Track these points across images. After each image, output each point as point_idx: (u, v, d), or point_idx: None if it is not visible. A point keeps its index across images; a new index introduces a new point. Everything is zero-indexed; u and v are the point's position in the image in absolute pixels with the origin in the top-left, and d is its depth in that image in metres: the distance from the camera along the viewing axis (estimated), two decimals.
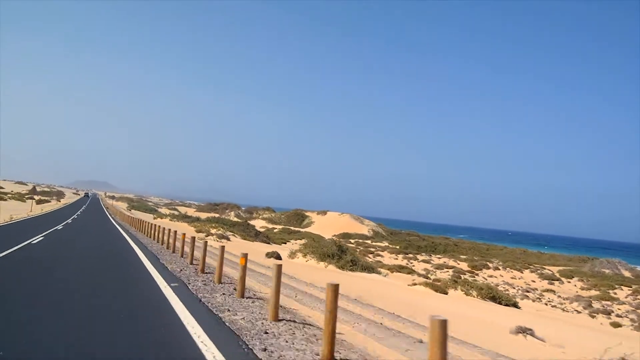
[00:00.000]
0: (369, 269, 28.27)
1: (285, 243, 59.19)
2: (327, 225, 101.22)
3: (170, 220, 59.07)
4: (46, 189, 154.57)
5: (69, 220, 39.56)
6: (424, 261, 60.36)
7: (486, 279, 44.03)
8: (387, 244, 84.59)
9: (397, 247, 79.81)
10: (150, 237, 29.32)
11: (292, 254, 30.23)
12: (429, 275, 40.14)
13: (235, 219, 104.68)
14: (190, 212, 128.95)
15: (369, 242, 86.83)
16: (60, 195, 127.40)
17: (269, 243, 52.14)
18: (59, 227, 31.27)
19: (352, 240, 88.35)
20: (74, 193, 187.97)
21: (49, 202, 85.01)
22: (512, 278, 49.79)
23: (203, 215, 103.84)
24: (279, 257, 27.66)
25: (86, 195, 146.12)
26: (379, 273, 29.09)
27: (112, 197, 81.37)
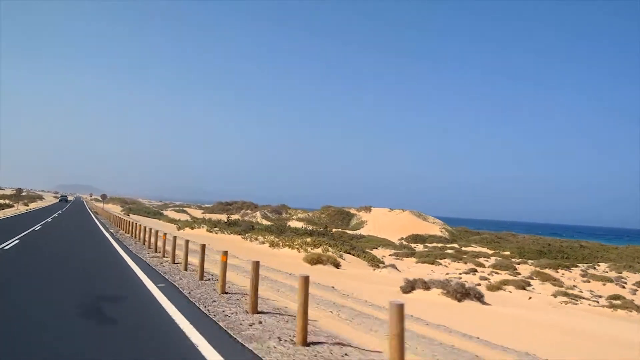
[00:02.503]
0: None
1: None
2: (385, 225, 78.46)
3: (209, 231, 34.90)
4: (24, 194, 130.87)
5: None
6: (600, 279, 36.63)
7: None
8: (485, 250, 61.53)
9: (508, 253, 57.19)
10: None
11: None
12: None
13: (265, 222, 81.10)
14: (198, 214, 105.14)
15: (458, 246, 64.10)
16: (34, 199, 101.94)
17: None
18: None
19: (430, 244, 65.42)
20: (54, 197, 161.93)
21: (13, 207, 60.29)
22: None
23: (219, 218, 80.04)
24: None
25: (63, 198, 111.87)
26: None
27: (103, 198, 55.44)
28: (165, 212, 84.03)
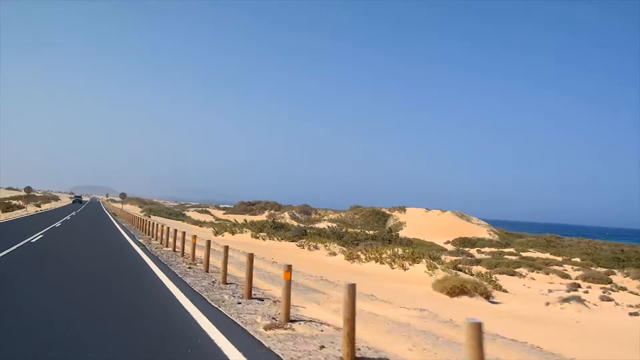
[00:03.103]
0: None
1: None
2: (425, 227, 71.62)
3: (255, 236, 28.54)
4: (40, 195, 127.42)
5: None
6: None
7: None
8: (549, 256, 54.37)
9: (578, 260, 50.18)
10: None
11: None
12: None
13: (294, 223, 74.98)
14: (220, 214, 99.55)
15: (515, 251, 57.15)
16: (48, 200, 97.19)
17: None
18: None
19: (487, 249, 58.46)
20: (70, 197, 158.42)
21: (23, 208, 54.89)
22: None
23: (249, 220, 74.77)
24: None
25: (77, 199, 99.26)
26: None
27: (122, 197, 49.37)
28: (187, 213, 78.19)
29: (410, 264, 17.80)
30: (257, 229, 30.28)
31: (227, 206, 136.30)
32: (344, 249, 23.52)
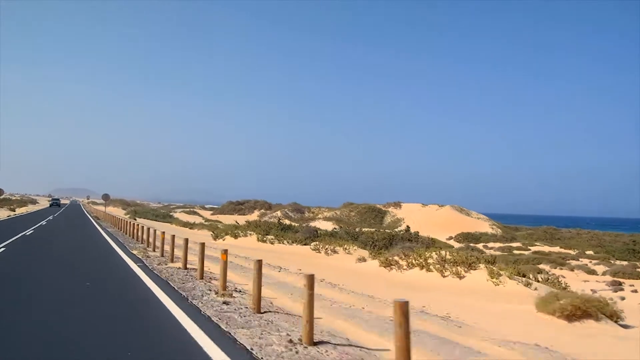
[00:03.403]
0: None
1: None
2: (424, 222, 68.81)
3: (261, 240, 25.01)
4: (16, 198, 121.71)
5: None
6: None
7: None
8: (561, 250, 52.01)
9: (592, 253, 47.93)
10: None
11: None
12: None
13: (287, 222, 71.66)
14: (207, 215, 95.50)
15: (522, 246, 54.73)
16: (25, 203, 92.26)
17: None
18: None
19: (493, 244, 55.92)
20: (48, 201, 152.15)
21: None
22: None
23: (239, 220, 71.62)
24: None
25: (54, 202, 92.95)
26: None
27: (105, 199, 45.08)
28: (174, 215, 74.08)
29: (465, 271, 14.68)
30: (263, 231, 26.82)
31: (214, 206, 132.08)
32: (367, 251, 20.36)
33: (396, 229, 70.87)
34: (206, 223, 55.56)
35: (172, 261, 14.39)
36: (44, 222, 34.56)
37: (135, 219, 49.80)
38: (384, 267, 16.63)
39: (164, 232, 17.55)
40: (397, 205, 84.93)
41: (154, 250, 17.48)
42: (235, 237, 25.13)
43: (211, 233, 27.56)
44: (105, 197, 45.50)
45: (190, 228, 48.41)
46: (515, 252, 50.35)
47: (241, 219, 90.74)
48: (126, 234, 26.05)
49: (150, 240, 18.94)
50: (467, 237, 60.86)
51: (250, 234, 25.33)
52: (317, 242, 23.30)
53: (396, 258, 16.82)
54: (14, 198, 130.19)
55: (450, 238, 60.81)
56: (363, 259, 18.07)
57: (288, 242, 23.81)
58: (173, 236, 15.73)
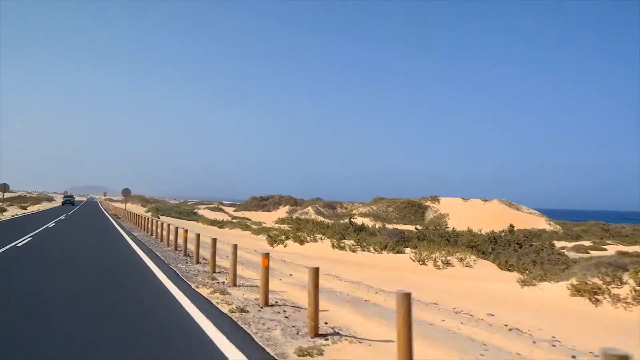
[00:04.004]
0: None
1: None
2: (472, 218, 62.10)
3: (339, 247, 18.75)
4: (33, 196, 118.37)
5: None
6: None
7: None
8: None
9: None
10: None
11: None
12: None
13: (319, 218, 65.58)
14: (231, 211, 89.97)
15: (593, 244, 48.11)
16: (39, 201, 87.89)
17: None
18: None
19: (562, 243, 49.27)
20: (62, 199, 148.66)
21: (6, 211, 45.22)
22: None
23: (265, 218, 66.89)
24: None
25: (68, 200, 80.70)
26: None
27: (126, 194, 39.26)
28: (200, 212, 68.49)
29: None
30: (338, 234, 20.62)
31: (234, 202, 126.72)
32: (489, 261, 14.29)
33: (441, 225, 64.52)
34: (235, 221, 49.85)
35: (234, 284, 8.56)
36: (51, 225, 28.81)
37: (159, 217, 44.22)
38: (580, 294, 10.40)
39: (215, 239, 11.64)
40: (435, 199, 78.22)
41: (197, 262, 11.62)
42: (301, 242, 18.98)
43: (266, 237, 21.47)
44: (126, 192, 39.86)
45: (220, 227, 42.68)
46: (592, 252, 43.71)
47: (267, 216, 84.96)
48: (158, 238, 20.22)
49: (190, 247, 13.13)
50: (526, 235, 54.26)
51: (321, 238, 19.24)
52: (416, 249, 17.13)
53: (597, 281, 10.59)
54: (30, 196, 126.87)
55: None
56: (530, 283, 11.85)
57: (375, 250, 17.66)
58: (235, 247, 9.75)
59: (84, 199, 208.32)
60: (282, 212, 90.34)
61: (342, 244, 18.14)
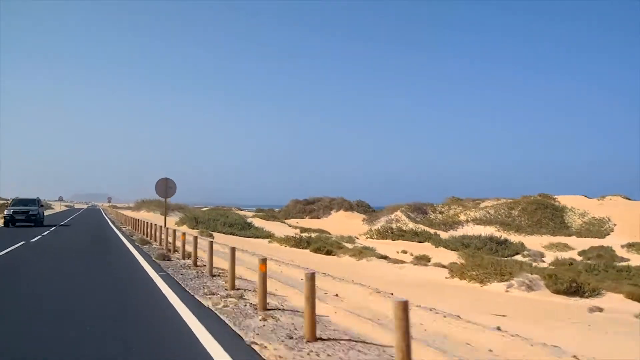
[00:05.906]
0: None
1: None
2: (628, 222, 42.18)
3: None
4: None
5: None
6: None
7: None
8: None
9: None
10: None
11: None
12: None
13: (411, 225, 46.00)
14: (286, 222, 70.45)
15: None
16: None
17: None
18: None
19: None
20: (65, 206, 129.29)
21: None
22: None
23: (337, 229, 48.16)
24: None
25: (18, 216, 43.92)
26: None
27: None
28: (251, 219, 48.22)
29: None
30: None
31: (261, 208, 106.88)
32: None
33: (603, 235, 44.74)
34: (352, 246, 30.42)
35: None
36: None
37: (212, 235, 24.41)
38: None
39: None
40: (550, 198, 58.48)
41: None
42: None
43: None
44: (164, 187, 19.08)
45: (331, 254, 22.89)
46: None
47: (318, 223, 65.14)
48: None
49: None
50: None
51: None
52: None
53: None
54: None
55: None
56: None
57: None
58: None
59: (85, 206, 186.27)
60: (338, 218, 70.44)
61: None
